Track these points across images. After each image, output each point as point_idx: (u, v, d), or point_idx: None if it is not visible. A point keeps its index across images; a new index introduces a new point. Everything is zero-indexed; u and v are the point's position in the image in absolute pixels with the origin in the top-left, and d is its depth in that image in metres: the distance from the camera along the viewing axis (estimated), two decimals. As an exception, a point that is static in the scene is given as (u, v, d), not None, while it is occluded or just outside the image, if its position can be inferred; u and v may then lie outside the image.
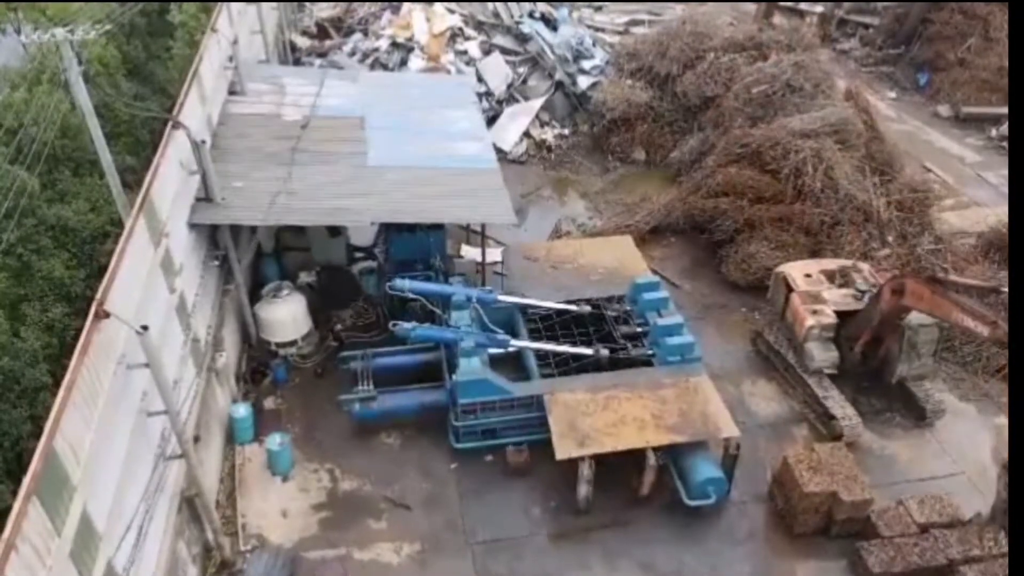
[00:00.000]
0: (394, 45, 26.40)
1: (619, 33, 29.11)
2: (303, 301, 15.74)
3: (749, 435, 14.11)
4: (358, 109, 18.14)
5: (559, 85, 24.58)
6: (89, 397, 8.38)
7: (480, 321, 13.89)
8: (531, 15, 27.07)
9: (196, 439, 12.02)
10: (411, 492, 13.18)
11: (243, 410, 13.84)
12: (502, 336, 13.50)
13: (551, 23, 26.85)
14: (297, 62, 27.12)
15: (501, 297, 14.64)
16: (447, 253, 17.19)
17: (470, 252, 18.52)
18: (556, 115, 24.54)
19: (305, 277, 16.92)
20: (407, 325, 13.13)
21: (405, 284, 13.92)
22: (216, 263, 14.40)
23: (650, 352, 13.93)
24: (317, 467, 13.57)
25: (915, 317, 13.38)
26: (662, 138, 22.61)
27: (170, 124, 12.73)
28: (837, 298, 14.73)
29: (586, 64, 24.51)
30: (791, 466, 12.25)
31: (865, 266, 15.59)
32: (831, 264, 15.74)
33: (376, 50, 26.38)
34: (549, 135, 23.88)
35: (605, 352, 13.83)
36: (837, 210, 17.70)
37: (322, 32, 30.30)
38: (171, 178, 12.57)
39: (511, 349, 13.69)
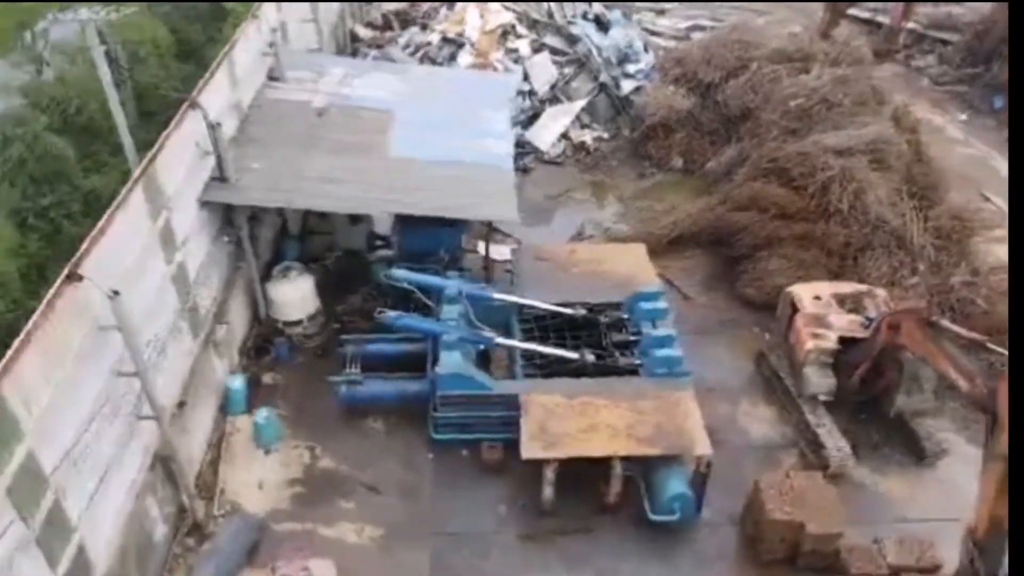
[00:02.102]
0: (445, 40, 26.79)
1: (678, 39, 28.66)
2: (311, 283, 16.23)
3: (735, 457, 13.79)
4: (390, 101, 18.48)
5: (603, 88, 24.43)
6: (53, 354, 8.94)
7: (468, 316, 14.01)
8: (584, 16, 26.97)
9: (181, 404, 12.66)
10: (385, 477, 13.46)
11: (238, 382, 14.42)
12: (487, 333, 13.60)
13: (604, 25, 26.67)
14: (355, 53, 27.82)
15: (495, 295, 14.73)
16: (462, 248, 17.31)
17: (499, 248, 18.63)
18: (598, 118, 24.38)
19: (323, 261, 17.49)
20: (392, 314, 13.40)
21: (401, 274, 14.19)
22: (227, 240, 15.00)
23: (637, 362, 13.76)
24: (300, 444, 14.01)
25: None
26: (701, 147, 22.16)
27: (186, 104, 13.35)
28: (843, 323, 14.15)
29: (631, 68, 24.25)
30: (761, 491, 11.89)
31: (882, 292, 14.91)
32: (845, 288, 15.11)
33: (428, 44, 26.82)
34: (588, 137, 23.75)
35: (591, 357, 13.73)
36: (866, 233, 16.98)
37: (386, 24, 31.00)
38: (182, 155, 13.18)
39: (495, 346, 13.76)
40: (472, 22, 26.83)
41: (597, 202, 21.51)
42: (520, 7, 27.92)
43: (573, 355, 13.74)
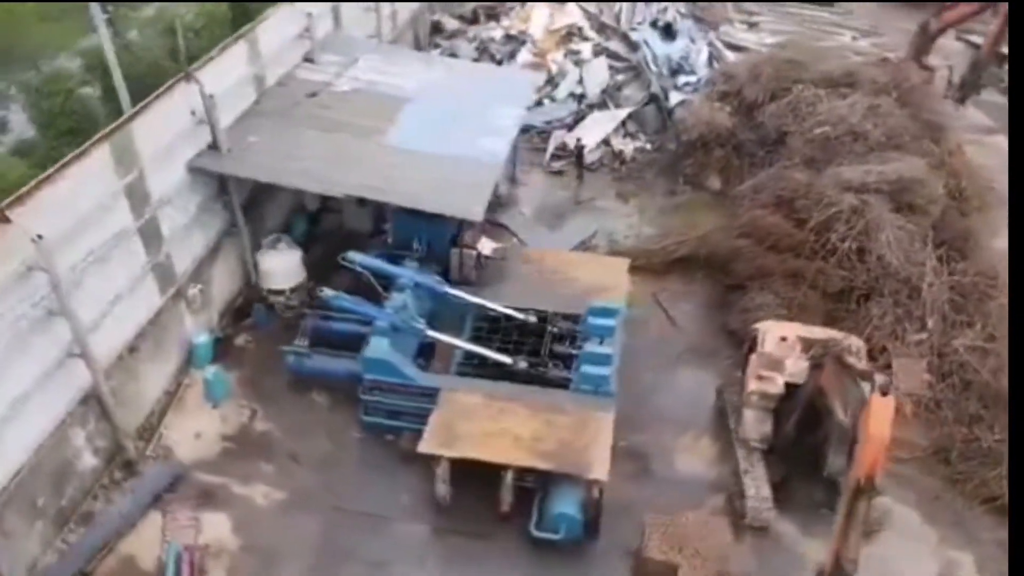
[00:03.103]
0: (508, 38, 27.04)
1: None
2: (297, 256, 16.98)
3: (660, 490, 13.34)
4: (410, 90, 19.00)
5: (654, 98, 23.84)
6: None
7: (416, 306, 14.26)
8: (654, 24, 26.38)
9: (132, 350, 13.73)
10: (310, 449, 14.00)
11: (203, 338, 15.41)
12: (419, 324, 13.80)
13: (671, 33, 25.98)
14: (436, 44, 28.53)
15: (449, 290, 14.88)
16: (450, 242, 17.52)
17: (487, 245, 18.79)
18: (646, 128, 23.84)
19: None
20: (331, 293, 13.87)
21: (357, 258, 14.65)
22: (219, 206, 16.01)
23: (568, 376, 13.53)
24: (245, 404, 14.82)
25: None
26: (739, 169, 21.17)
27: (180, 75, 14.39)
28: (796, 369, 13.23)
29: (682, 79, 23.49)
30: (647, 528, 11.43)
31: (858, 342, 13.81)
32: (818, 333, 14.06)
33: (492, 40, 27.17)
34: (629, 147, 23.29)
35: (523, 364, 13.64)
36: (873, 277, 15.73)
37: (475, 17, 31.59)
38: (171, 121, 14.19)
39: (426, 338, 13.93)
40: (538, 20, 26.92)
41: (618, 213, 21.06)
42: (594, 7, 27.71)
43: (507, 360, 13.69)
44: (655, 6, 27.61)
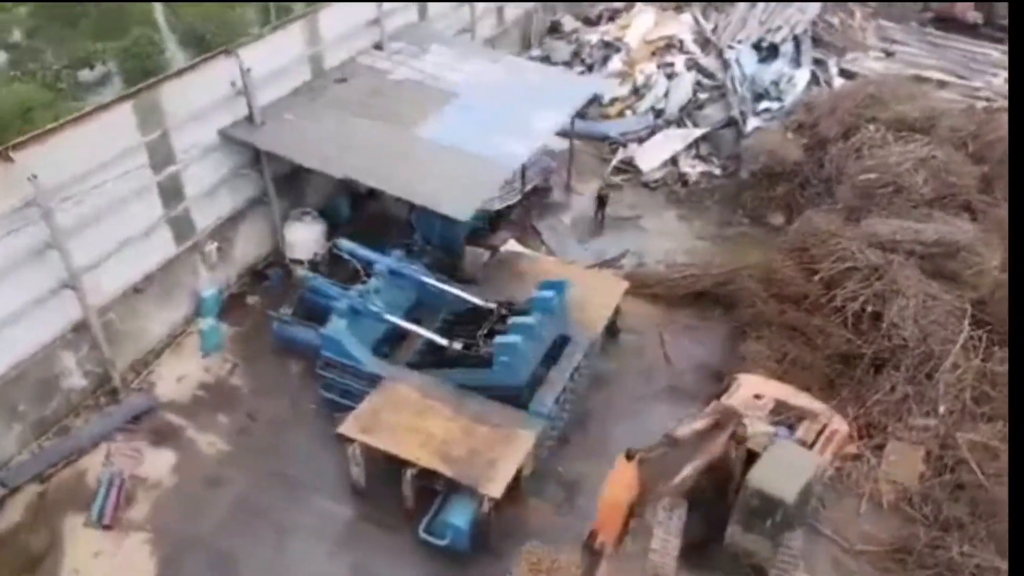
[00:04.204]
0: (605, 44, 26.63)
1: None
2: (320, 229, 18.00)
3: (574, 522, 12.86)
4: (463, 86, 19.38)
5: (732, 122, 22.64)
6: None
7: (397, 295, 14.67)
8: (757, 44, 24.95)
9: (137, 290, 15.25)
10: (268, 411, 14.88)
11: (210, 292, 16.75)
12: (378, 307, 14.16)
13: (774, 55, 24.45)
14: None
15: (425, 279, 15.10)
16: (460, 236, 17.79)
17: (513, 247, 18.85)
18: (719, 152, 22.72)
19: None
20: (308, 273, 14.63)
21: (345, 245, 15.35)
22: (254, 174, 17.26)
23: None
24: (229, 359, 15.99)
25: (757, 476, 10.76)
26: (803, 206, 19.67)
27: (220, 50, 15.69)
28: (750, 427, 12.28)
29: (764, 105, 22.08)
30: (521, 559, 11.18)
31: (838, 420, 12.63)
32: (800, 399, 12.95)
33: (588, 44, 26.90)
34: (696, 169, 22.32)
35: (458, 346, 13.71)
36: (882, 347, 14.19)
37: (599, 19, 31.40)
38: (207, 90, 15.50)
39: (382, 321, 14.22)
40: (637, 28, 26.30)
41: (660, 235, 20.29)
42: (712, 22, 26.67)
43: (443, 341, 13.81)
44: (771, 22, 26.03)
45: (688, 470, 9.45)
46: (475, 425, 12.81)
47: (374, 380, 13.89)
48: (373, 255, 15.22)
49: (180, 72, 15.12)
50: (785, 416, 12.55)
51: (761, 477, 10.65)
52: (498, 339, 12.89)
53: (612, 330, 16.55)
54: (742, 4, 27.55)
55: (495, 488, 11.77)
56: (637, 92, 25.09)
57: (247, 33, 19.21)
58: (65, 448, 13.83)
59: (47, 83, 19.61)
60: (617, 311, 16.39)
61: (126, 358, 15.36)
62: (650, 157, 22.61)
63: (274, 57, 17.11)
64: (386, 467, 12.65)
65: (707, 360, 16.18)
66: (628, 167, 22.83)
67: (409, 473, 12.27)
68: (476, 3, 24.57)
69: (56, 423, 14.28)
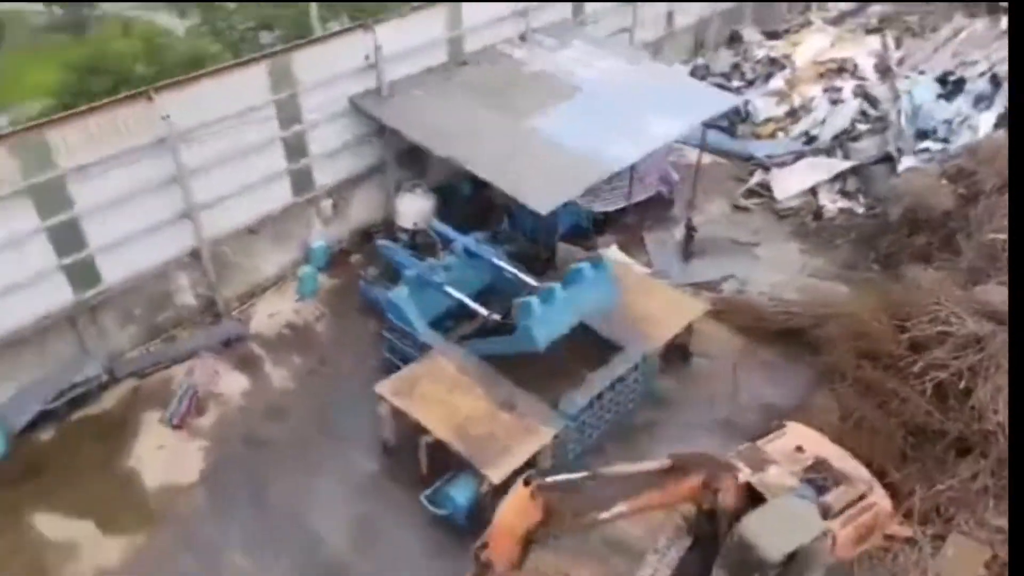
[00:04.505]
0: (771, 61, 25.36)
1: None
2: (428, 202, 18.92)
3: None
4: (589, 82, 19.44)
5: (887, 158, 20.77)
6: (106, 135, 13.74)
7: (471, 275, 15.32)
8: (944, 77, 22.63)
9: (252, 231, 17.02)
10: (336, 361, 16.03)
11: (319, 244, 18.25)
12: (440, 279, 14.71)
13: (959, 91, 22.05)
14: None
15: (498, 262, 15.42)
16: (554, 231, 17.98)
17: (613, 254, 18.73)
18: (868, 190, 20.97)
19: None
20: (386, 242, 15.64)
21: (432, 223, 16.20)
22: (378, 143, 18.51)
23: None
24: (319, 307, 17.39)
25: (747, 525, 10.04)
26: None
27: (357, 24, 16.99)
28: (770, 478, 11.48)
29: (925, 144, 20.00)
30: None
31: (880, 493, 11.49)
32: (847, 465, 11.80)
33: (755, 58, 25.75)
34: (836, 204, 20.78)
35: (496, 317, 13.98)
36: (969, 429, 12.62)
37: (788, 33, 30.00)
38: (340, 59, 16.87)
39: (439, 288, 14.73)
40: (809, 47, 24.79)
41: (773, 267, 19.15)
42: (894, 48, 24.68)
43: (483, 311, 14.14)
44: (966, 55, 23.49)
45: (622, 508, 9.03)
46: (500, 411, 13.04)
47: (426, 349, 14.51)
48: (453, 234, 15.82)
49: (316, 40, 16.56)
50: (820, 476, 11.55)
51: (751, 527, 9.92)
52: (516, 300, 12.93)
53: (684, 352, 16.05)
54: (944, 31, 25.08)
55: (497, 474, 11.95)
56: (794, 114, 23.75)
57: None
58: (165, 354, 15.84)
59: (231, 42, 22.25)
60: (690, 333, 15.86)
61: (233, 288, 17.19)
62: (789, 184, 21.35)
63: (411, 36, 18.18)
64: (412, 433, 13.22)
65: (775, 402, 15.16)
66: (763, 191, 21.72)
67: (424, 440, 12.77)
68: (640, 3, 24.35)
69: (164, 331, 16.35)
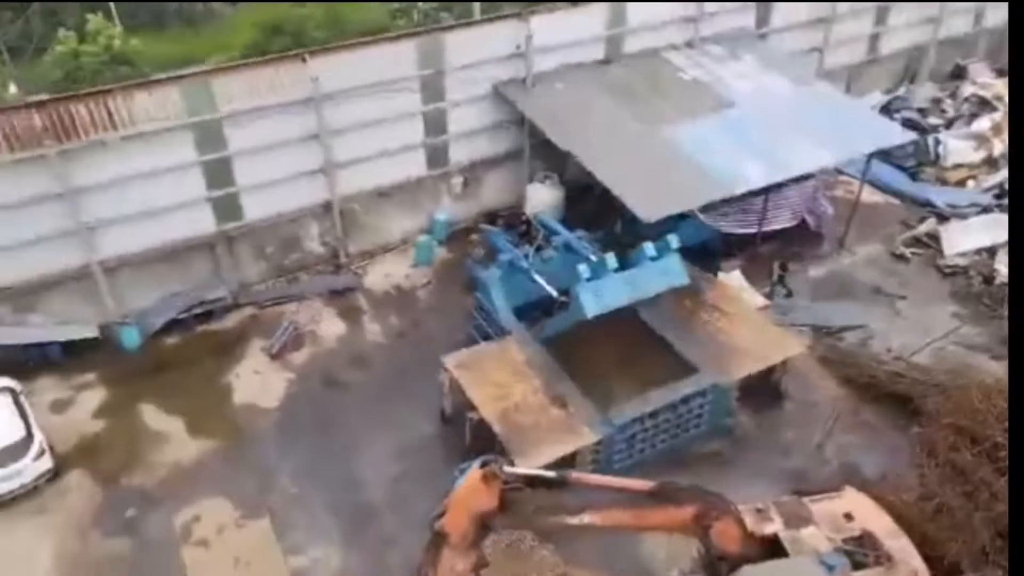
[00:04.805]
0: (981, 102, 22.57)
1: None
2: (557, 194, 19.20)
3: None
4: (744, 96, 18.63)
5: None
6: (263, 91, 15.44)
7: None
8: None
9: (383, 194, 18.28)
10: (429, 328, 16.79)
11: (444, 217, 19.15)
12: (528, 266, 14.91)
13: None
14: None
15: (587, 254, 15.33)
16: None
17: (732, 278, 17.92)
18: (1058, 259, 18.11)
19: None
20: (487, 226, 16.15)
21: (544, 219, 16.44)
22: (509, 127, 18.99)
23: None
24: (428, 276, 18.28)
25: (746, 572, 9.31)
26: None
27: (516, 13, 17.53)
28: (802, 536, 10.56)
29: None
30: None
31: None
32: (896, 542, 10.59)
33: (962, 96, 23.06)
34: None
35: (557, 294, 14.24)
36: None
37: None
38: (491, 45, 17.60)
39: (526, 274, 14.94)
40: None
41: (913, 326, 17.16)
42: None
43: (554, 292, 14.41)
44: None
45: (594, 519, 8.65)
46: (551, 405, 13.05)
47: (505, 333, 14.81)
48: (559, 228, 15.95)
49: (469, 24, 17.31)
50: (862, 551, 10.40)
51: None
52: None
53: (775, 392, 15.02)
54: None
55: (525, 463, 11.97)
56: (992, 163, 21.08)
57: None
58: (285, 292, 17.52)
59: (417, 22, 23.76)
60: (785, 373, 14.82)
61: (358, 244, 18.57)
62: (962, 239, 19.04)
63: (567, 30, 18.46)
64: (464, 407, 13.61)
65: (859, 464, 13.78)
66: (930, 242, 19.53)
67: (471, 416, 13.11)
68: (836, 25, 22.76)
69: (289, 272, 18.06)
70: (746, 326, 14.85)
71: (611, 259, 13.36)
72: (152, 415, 14.70)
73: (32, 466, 12.91)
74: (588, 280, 13.13)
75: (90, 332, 15.82)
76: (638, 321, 14.83)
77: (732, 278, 18.13)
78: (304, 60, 15.65)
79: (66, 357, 15.62)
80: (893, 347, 16.39)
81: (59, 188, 14.43)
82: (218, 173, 16.11)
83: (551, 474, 8.55)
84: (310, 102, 16.03)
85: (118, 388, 15.22)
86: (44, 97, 14.54)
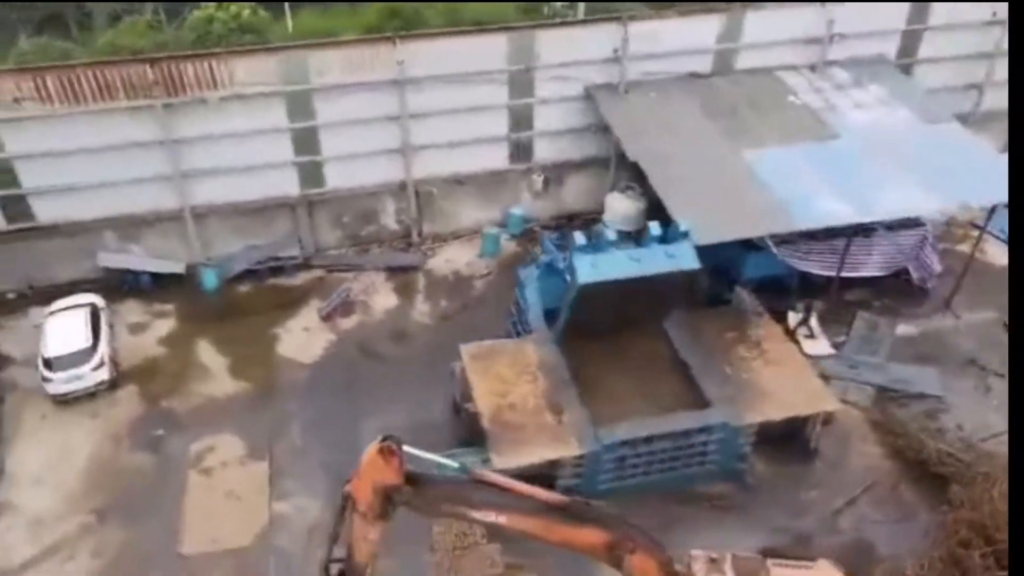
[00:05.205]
0: None
1: None
2: (636, 206, 18.70)
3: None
4: (852, 131, 17.20)
5: None
6: (353, 69, 16.39)
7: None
8: None
9: (460, 182, 18.79)
10: (475, 316, 17.14)
11: (519, 212, 19.31)
12: (562, 267, 14.69)
13: None
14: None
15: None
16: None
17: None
18: None
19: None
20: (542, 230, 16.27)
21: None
22: (596, 132, 18.75)
23: None
24: (490, 267, 18.56)
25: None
26: None
27: (612, 16, 17.29)
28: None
29: None
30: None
31: None
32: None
33: None
34: None
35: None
36: None
37: None
38: (586, 46, 17.52)
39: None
40: None
41: (998, 407, 15.08)
42: None
43: None
44: None
45: (500, 519, 8.36)
46: (546, 411, 12.94)
47: (531, 331, 14.80)
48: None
49: (563, 24, 17.32)
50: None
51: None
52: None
53: (805, 447, 13.90)
54: None
55: (501, 460, 12.05)
56: None
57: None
58: (352, 260, 18.52)
59: (548, 15, 23.88)
60: (815, 427, 13.68)
61: (431, 226, 19.21)
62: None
63: (671, 39, 17.92)
64: (468, 397, 13.79)
65: (875, 543, 12.47)
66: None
67: (467, 406, 13.28)
68: (1001, 60, 20.28)
69: (363, 242, 19.04)
70: (783, 370, 13.83)
71: (608, 232, 13.15)
72: (205, 351, 16.17)
73: (91, 375, 14.68)
74: (587, 251, 12.76)
75: (177, 268, 17.63)
76: (667, 341, 14.25)
77: (795, 319, 16.84)
78: (393, 43, 16.40)
79: (154, 287, 17.51)
80: (966, 427, 14.56)
81: (162, 136, 16.17)
82: (305, 141, 17.31)
83: (452, 463, 8.50)
84: (395, 84, 16.77)
85: (186, 322, 16.87)
86: (158, 54, 16.31)
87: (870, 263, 17.16)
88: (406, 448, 8.20)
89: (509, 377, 13.58)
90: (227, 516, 12.89)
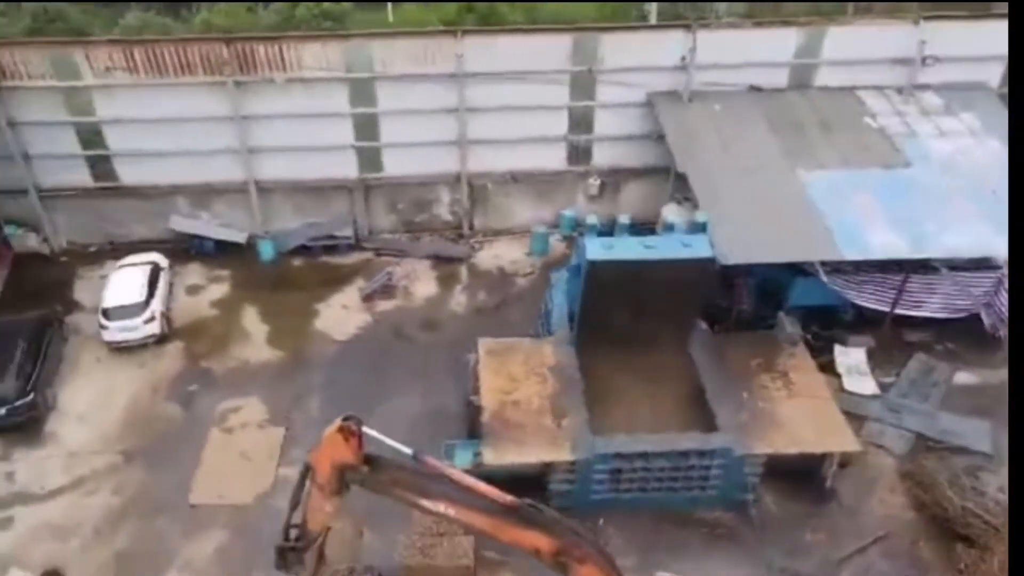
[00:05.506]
0: None
1: None
2: (690, 218, 18.24)
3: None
4: (923, 161, 16.10)
5: None
6: (415, 60, 16.82)
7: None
8: None
9: (515, 179, 18.92)
10: (512, 313, 17.25)
11: (571, 213, 19.23)
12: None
13: None
14: None
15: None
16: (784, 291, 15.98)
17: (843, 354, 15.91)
18: None
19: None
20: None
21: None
22: (655, 141, 18.32)
23: None
24: (536, 265, 18.59)
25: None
26: None
27: (686, 22, 16.89)
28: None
29: None
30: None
31: None
32: None
33: None
34: None
35: None
36: None
37: None
38: (653, 52, 17.21)
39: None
40: None
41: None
42: None
43: None
44: None
45: (449, 511, 8.38)
46: (549, 413, 12.93)
47: (552, 333, 14.79)
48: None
49: (629, 28, 17.08)
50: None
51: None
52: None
53: (820, 487, 13.21)
54: None
55: (492, 455, 12.18)
56: None
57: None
58: (401, 246, 19.02)
59: (636, 17, 23.48)
60: (832, 467, 13.01)
61: (483, 220, 19.44)
62: None
63: (746, 50, 17.34)
64: (476, 390, 13.94)
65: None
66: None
67: (473, 399, 13.44)
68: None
69: (416, 229, 19.51)
70: (803, 404, 13.21)
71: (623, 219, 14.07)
72: (250, 318, 17.08)
73: (143, 327, 15.84)
74: (600, 233, 13.37)
75: (239, 237, 18.68)
76: (688, 359, 13.86)
77: (851, 355, 15.95)
78: (456, 36, 16.69)
79: (217, 253, 18.62)
80: (1003, 485, 13.37)
81: (232, 112, 17.16)
82: (366, 127, 17.92)
83: (406, 449, 8.64)
84: (454, 78, 17.07)
85: (239, 289, 17.86)
86: (234, 35, 17.26)
87: (931, 304, 15.96)
88: (366, 430, 8.45)
89: (519, 375, 13.63)
90: (237, 474, 13.62)
